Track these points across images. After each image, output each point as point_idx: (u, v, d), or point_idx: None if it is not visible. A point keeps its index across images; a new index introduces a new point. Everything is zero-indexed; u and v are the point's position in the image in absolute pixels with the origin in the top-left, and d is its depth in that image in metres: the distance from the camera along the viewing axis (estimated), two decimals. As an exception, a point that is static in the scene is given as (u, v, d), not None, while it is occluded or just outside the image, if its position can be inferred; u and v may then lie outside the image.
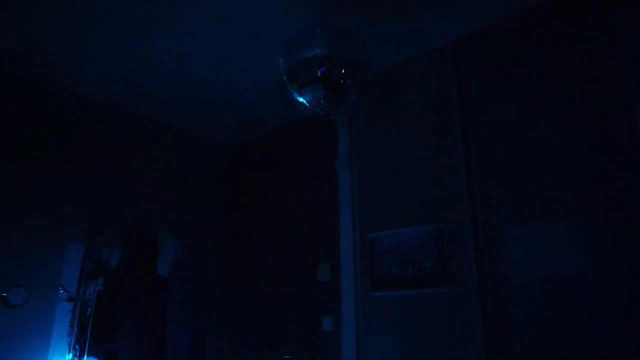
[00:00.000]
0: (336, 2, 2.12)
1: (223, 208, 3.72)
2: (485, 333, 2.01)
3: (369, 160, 2.67)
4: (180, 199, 3.44)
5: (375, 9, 2.17)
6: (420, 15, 2.22)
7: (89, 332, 2.48)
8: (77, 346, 2.48)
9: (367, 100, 2.46)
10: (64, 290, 2.59)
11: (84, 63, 2.62)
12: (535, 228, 1.99)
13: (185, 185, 3.51)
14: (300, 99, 1.87)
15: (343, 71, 1.84)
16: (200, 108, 3.19)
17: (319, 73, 1.80)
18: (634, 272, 1.72)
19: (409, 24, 2.29)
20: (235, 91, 2.96)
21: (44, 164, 2.76)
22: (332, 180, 2.85)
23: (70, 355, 2.46)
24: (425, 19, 2.26)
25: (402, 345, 2.27)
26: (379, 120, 2.67)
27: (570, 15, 2.09)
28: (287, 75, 1.84)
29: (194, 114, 3.27)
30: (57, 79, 2.77)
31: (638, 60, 1.85)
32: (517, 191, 2.07)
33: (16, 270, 2.49)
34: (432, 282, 2.24)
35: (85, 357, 2.47)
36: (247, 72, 2.74)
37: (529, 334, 1.91)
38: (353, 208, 2.65)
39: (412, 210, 2.39)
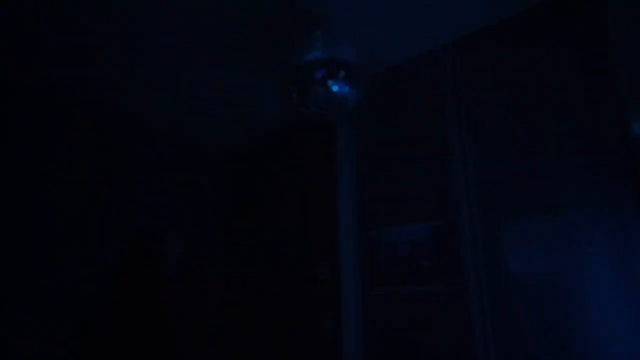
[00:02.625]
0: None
1: (222, 210, 3.73)
2: (482, 329, 2.03)
3: (368, 159, 2.68)
4: (180, 200, 3.46)
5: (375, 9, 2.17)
6: (420, 15, 2.22)
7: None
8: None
9: (367, 101, 2.47)
10: None
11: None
12: (533, 226, 2.00)
13: (185, 186, 3.52)
14: (300, 101, 1.88)
15: (342, 73, 1.85)
16: (200, 113, 3.20)
17: (318, 75, 1.81)
18: (632, 271, 1.74)
19: (409, 23, 2.29)
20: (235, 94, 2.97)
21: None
22: (332, 179, 2.86)
23: None
24: (425, 19, 2.26)
25: (401, 341, 2.29)
26: (378, 120, 2.68)
27: (570, 15, 2.09)
28: (286, 78, 1.85)
29: (193, 118, 3.29)
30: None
31: (636, 62, 1.85)
32: (515, 190, 2.08)
33: None
34: (430, 279, 2.26)
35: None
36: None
37: (527, 332, 1.93)
38: (352, 206, 2.67)
39: (410, 209, 2.41)
